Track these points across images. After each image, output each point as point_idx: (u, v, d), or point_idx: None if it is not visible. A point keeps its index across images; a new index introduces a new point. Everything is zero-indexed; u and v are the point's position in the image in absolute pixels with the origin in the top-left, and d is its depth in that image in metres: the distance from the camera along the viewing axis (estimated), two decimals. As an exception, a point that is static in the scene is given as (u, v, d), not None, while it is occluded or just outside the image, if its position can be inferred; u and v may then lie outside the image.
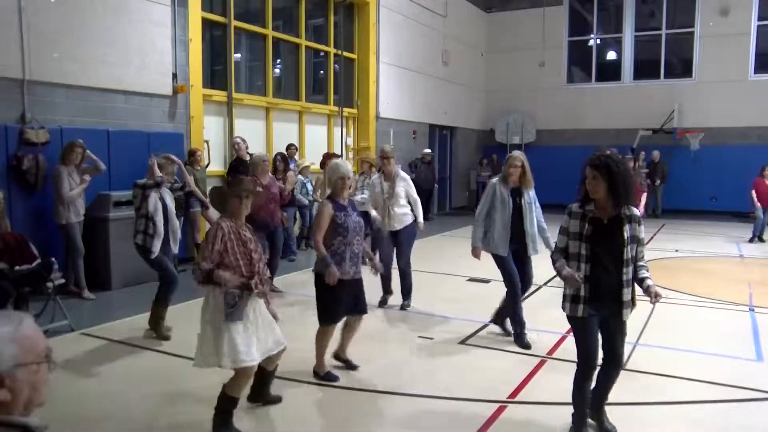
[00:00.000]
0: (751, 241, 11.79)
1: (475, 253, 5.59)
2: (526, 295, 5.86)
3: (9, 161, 6.84)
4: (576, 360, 3.67)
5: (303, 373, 4.69)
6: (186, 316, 6.53)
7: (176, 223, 5.93)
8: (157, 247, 5.65)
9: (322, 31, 12.99)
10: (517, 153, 5.53)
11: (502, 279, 5.61)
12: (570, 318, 3.61)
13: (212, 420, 3.70)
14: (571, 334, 3.73)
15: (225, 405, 3.70)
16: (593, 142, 16.21)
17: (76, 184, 6.95)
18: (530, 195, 5.52)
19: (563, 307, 3.63)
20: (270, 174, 7.48)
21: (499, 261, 5.51)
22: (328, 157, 8.01)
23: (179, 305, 6.87)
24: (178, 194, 6.66)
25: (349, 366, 4.90)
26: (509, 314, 5.66)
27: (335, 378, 4.64)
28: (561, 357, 5.19)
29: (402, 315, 6.56)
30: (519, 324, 5.58)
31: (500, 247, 5.44)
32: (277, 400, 4.14)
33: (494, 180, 5.56)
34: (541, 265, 8.85)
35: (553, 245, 5.48)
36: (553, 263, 3.65)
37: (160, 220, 5.68)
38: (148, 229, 5.62)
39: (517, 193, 5.45)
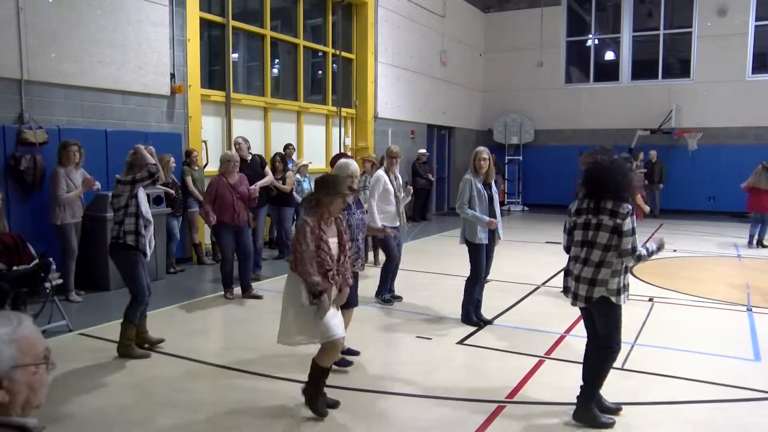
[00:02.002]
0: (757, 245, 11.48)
1: (492, 223, 5.87)
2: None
3: (7, 161, 6.83)
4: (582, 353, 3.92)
5: (301, 373, 4.68)
6: (184, 317, 6.54)
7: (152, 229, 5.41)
8: (149, 249, 5.27)
9: (321, 31, 12.99)
10: (482, 147, 6.00)
11: (469, 267, 6.04)
12: (617, 307, 3.82)
13: (305, 389, 4.00)
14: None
15: (317, 375, 4.00)
16: (591, 142, 16.22)
17: (74, 185, 6.92)
18: (494, 186, 6.04)
19: (617, 300, 3.79)
20: (239, 173, 7.32)
21: (475, 250, 5.93)
22: (338, 157, 8.00)
23: (178, 306, 6.87)
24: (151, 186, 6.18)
25: (351, 352, 5.04)
26: (467, 298, 6.05)
27: (349, 363, 4.85)
28: (559, 357, 5.20)
29: (400, 315, 6.56)
30: (473, 304, 6.04)
31: (482, 237, 5.85)
32: (335, 404, 4.13)
33: (468, 175, 5.92)
34: (541, 265, 8.92)
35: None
36: (648, 254, 3.80)
37: (151, 219, 5.28)
38: (139, 229, 5.10)
39: (485, 185, 5.93)
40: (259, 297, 7.24)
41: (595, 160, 4.02)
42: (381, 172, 6.98)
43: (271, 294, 7.45)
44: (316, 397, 4.01)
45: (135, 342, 5.25)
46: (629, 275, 3.91)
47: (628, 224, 3.70)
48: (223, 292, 7.25)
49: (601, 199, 3.80)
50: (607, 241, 3.75)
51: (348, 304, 4.81)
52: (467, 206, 5.86)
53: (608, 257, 3.75)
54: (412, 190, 7.35)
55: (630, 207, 3.76)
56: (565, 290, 4.06)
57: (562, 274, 4.13)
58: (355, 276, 4.78)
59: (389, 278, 6.97)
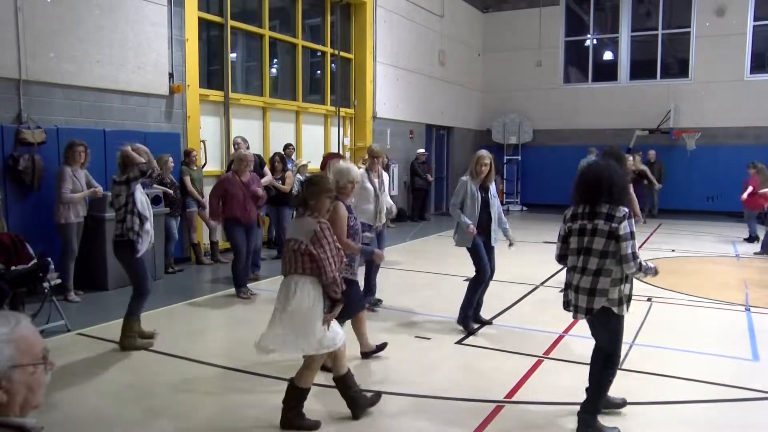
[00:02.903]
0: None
1: (470, 230, 5.79)
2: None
3: (5, 161, 6.82)
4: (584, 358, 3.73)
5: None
6: (183, 318, 6.53)
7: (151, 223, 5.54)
8: (145, 246, 5.39)
9: (319, 31, 12.99)
10: (485, 152, 5.97)
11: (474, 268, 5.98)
12: (619, 318, 3.68)
13: (282, 416, 3.81)
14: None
15: (298, 398, 3.82)
16: (590, 142, 16.27)
17: (80, 185, 6.91)
18: (493, 190, 6.00)
19: (623, 310, 3.65)
20: (251, 172, 7.33)
21: (474, 252, 5.92)
22: (330, 157, 7.97)
23: (177, 306, 6.87)
24: (148, 187, 6.57)
25: (380, 348, 5.13)
26: (467, 301, 5.96)
27: (384, 345, 5.05)
28: (557, 357, 5.20)
29: (399, 315, 6.56)
30: (472, 307, 5.98)
31: (471, 239, 5.83)
32: (375, 398, 4.15)
33: (465, 177, 5.93)
34: (540, 265, 8.91)
35: (510, 236, 6.09)
36: (647, 270, 3.69)
37: (150, 216, 5.43)
38: (134, 226, 5.27)
39: (482, 189, 5.91)
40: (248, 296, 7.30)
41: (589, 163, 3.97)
42: (361, 170, 6.88)
43: (269, 294, 7.44)
44: (299, 418, 3.81)
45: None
46: (631, 284, 3.71)
47: (624, 228, 3.53)
48: (234, 291, 7.27)
49: (596, 203, 3.64)
50: (603, 247, 3.57)
51: (354, 311, 4.81)
52: (458, 207, 5.86)
53: (606, 264, 3.57)
54: (395, 213, 7.48)
55: (626, 210, 3.60)
56: (566, 304, 3.85)
57: (563, 286, 3.91)
58: (355, 283, 4.69)
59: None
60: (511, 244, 6.16)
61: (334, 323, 3.82)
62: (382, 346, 5.16)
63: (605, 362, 3.76)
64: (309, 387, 3.85)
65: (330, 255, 3.66)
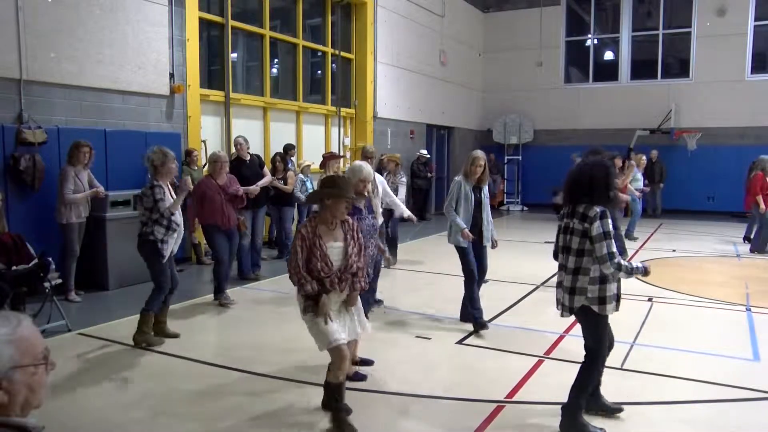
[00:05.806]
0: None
1: (465, 234, 5.81)
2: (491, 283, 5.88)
3: (6, 161, 6.83)
4: (587, 358, 3.81)
5: (304, 374, 4.69)
6: (184, 317, 6.53)
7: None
8: (168, 249, 5.48)
9: (320, 31, 12.99)
10: (480, 153, 5.98)
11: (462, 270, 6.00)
12: (601, 317, 3.67)
13: (328, 408, 3.89)
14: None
15: (332, 393, 3.87)
16: (590, 142, 16.22)
17: (82, 185, 6.92)
18: (485, 191, 6.01)
19: (605, 310, 3.62)
20: (228, 173, 7.11)
21: (462, 252, 5.93)
22: (330, 157, 7.93)
23: (177, 306, 6.87)
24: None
25: (365, 362, 4.89)
26: (469, 302, 5.99)
27: (363, 376, 4.65)
28: (558, 357, 5.21)
29: (399, 315, 6.56)
30: (478, 310, 5.96)
31: (460, 239, 5.85)
32: (348, 410, 3.98)
33: (458, 177, 5.96)
34: (540, 265, 8.92)
35: (493, 237, 6.06)
36: (634, 269, 3.56)
37: (178, 216, 5.51)
38: (162, 223, 5.39)
39: (476, 189, 5.94)
40: (230, 304, 6.95)
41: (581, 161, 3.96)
42: None
43: (270, 294, 7.45)
44: (340, 414, 3.81)
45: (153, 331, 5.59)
46: (618, 284, 3.67)
47: (597, 228, 3.49)
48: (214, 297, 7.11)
49: (577, 202, 3.66)
50: (578, 246, 3.58)
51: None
52: (453, 208, 5.88)
53: (584, 263, 3.58)
54: (415, 217, 7.45)
55: (599, 210, 3.53)
56: (557, 302, 3.89)
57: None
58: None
59: None
60: (494, 246, 6.17)
61: (325, 326, 3.73)
62: (368, 361, 4.91)
63: (588, 360, 3.77)
64: (336, 381, 3.82)
65: (292, 261, 3.72)
